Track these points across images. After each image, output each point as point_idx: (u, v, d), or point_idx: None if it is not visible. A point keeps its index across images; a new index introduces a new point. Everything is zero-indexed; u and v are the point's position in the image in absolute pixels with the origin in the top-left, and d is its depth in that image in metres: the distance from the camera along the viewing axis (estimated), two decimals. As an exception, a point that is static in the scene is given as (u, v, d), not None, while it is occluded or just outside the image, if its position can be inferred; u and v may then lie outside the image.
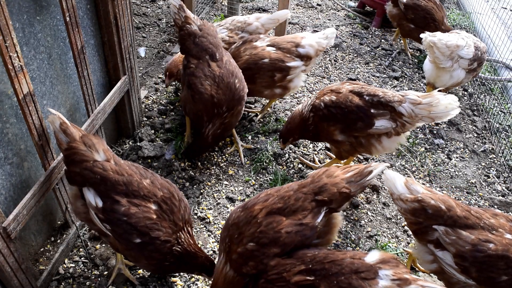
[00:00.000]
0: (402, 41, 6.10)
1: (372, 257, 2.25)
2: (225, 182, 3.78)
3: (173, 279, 2.99)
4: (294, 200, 2.51)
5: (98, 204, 2.40)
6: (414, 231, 2.69)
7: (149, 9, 6.21)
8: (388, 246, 3.36)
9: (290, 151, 4.15)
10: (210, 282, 2.74)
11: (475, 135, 4.69)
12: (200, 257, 2.60)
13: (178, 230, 2.51)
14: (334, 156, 3.83)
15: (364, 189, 2.63)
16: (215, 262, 2.69)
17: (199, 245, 3.22)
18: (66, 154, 2.48)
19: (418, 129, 4.63)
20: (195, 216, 3.46)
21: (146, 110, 4.40)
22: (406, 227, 3.57)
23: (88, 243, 3.16)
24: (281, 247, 2.41)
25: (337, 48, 5.90)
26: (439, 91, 3.23)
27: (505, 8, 7.39)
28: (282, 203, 2.51)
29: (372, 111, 3.23)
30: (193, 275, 3.01)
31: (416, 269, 3.22)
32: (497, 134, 4.64)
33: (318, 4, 7.09)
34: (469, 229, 2.46)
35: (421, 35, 4.36)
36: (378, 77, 5.43)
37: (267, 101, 4.69)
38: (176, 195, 2.57)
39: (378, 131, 3.28)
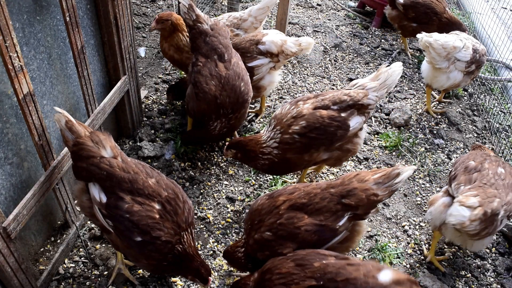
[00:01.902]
0: (402, 41, 6.09)
1: (386, 276, 2.18)
2: (225, 182, 3.78)
3: (173, 279, 2.99)
4: (320, 198, 2.52)
5: (102, 199, 2.42)
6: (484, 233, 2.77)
7: (149, 9, 6.21)
8: (388, 246, 3.36)
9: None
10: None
11: (475, 135, 4.69)
12: (196, 261, 2.57)
13: (181, 231, 2.51)
14: None
15: (392, 194, 2.60)
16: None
17: (199, 245, 3.23)
18: (73, 150, 2.50)
19: (418, 129, 4.64)
20: (195, 216, 3.46)
21: (146, 110, 4.40)
22: (405, 227, 3.58)
23: (88, 243, 3.16)
24: (298, 244, 2.45)
25: (337, 48, 5.90)
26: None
27: (505, 8, 7.39)
28: (307, 199, 2.52)
29: (343, 114, 3.13)
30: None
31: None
32: (497, 134, 4.64)
33: (318, 4, 7.08)
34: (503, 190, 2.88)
35: (417, 35, 4.33)
36: (378, 77, 5.42)
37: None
38: (181, 196, 2.57)
39: (355, 129, 3.22)
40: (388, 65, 3.27)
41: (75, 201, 3.34)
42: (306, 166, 3.38)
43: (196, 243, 3.11)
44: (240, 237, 3.31)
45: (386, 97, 5.08)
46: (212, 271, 3.05)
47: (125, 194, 2.41)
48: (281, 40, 3.94)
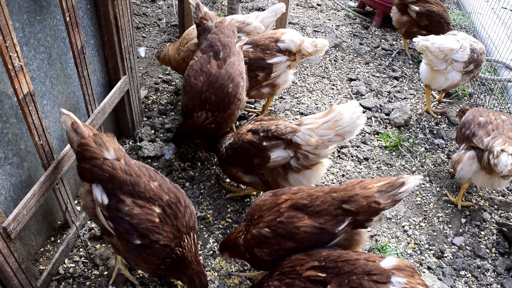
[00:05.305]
0: (402, 41, 6.09)
1: (388, 262, 2.25)
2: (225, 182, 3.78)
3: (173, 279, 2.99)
4: (321, 201, 2.52)
5: (104, 201, 2.43)
6: None
7: (149, 9, 6.21)
8: (388, 246, 3.36)
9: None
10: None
11: (475, 135, 4.69)
12: (192, 269, 2.51)
13: (181, 236, 2.48)
14: None
15: (397, 203, 2.57)
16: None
17: (199, 246, 3.23)
18: (78, 151, 2.52)
19: (418, 129, 4.64)
20: (195, 216, 3.46)
21: (146, 110, 4.40)
22: (405, 227, 3.58)
23: (88, 243, 3.16)
24: (296, 243, 2.46)
25: (337, 48, 5.90)
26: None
27: (505, 8, 7.39)
28: (308, 200, 2.54)
29: (264, 144, 3.02)
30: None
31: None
32: (497, 134, 4.64)
33: (318, 4, 7.09)
34: None
35: (414, 39, 4.33)
36: (378, 77, 5.43)
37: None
38: (183, 201, 2.55)
39: (277, 163, 3.04)
40: (343, 103, 2.93)
41: (75, 201, 3.34)
42: (236, 180, 3.42)
43: (198, 254, 3.04)
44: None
45: (386, 97, 5.08)
46: (211, 271, 3.06)
47: (126, 196, 2.41)
48: (299, 39, 3.93)
